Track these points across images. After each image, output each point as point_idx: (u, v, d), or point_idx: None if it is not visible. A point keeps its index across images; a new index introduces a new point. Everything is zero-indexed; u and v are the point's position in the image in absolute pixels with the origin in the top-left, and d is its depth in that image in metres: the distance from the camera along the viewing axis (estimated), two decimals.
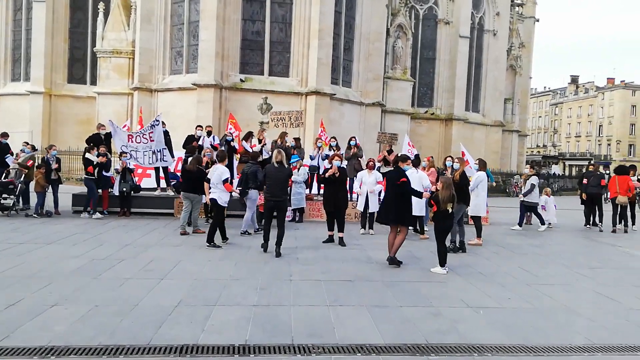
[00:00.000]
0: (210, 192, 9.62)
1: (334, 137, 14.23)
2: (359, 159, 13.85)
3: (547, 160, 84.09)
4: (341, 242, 9.90)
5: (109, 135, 13.56)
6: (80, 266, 7.41)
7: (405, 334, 5.13)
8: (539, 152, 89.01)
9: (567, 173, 62.77)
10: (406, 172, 8.44)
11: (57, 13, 28.88)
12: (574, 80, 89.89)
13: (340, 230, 10.02)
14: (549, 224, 14.04)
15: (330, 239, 10.12)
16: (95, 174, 12.47)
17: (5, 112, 29.52)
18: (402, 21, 29.23)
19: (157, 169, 14.11)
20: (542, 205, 14.20)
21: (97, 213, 12.48)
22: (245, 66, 24.17)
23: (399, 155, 9.63)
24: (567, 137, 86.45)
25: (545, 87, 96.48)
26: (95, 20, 28.22)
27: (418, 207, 10.65)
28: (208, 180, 9.71)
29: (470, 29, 32.60)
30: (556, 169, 63.91)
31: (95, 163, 12.42)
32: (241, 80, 23.66)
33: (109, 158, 13.09)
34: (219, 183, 9.55)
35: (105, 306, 5.63)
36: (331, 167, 10.05)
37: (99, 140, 13.14)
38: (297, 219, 13.19)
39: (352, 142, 13.96)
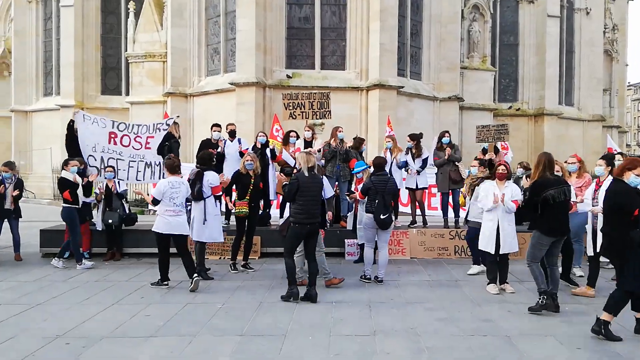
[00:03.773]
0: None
1: (415, 136, 9.52)
2: (457, 164, 9.23)
3: None
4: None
5: None
6: None
7: None
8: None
9: None
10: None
11: (87, 18, 25.89)
12: None
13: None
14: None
15: None
16: (79, 201, 8.50)
17: (38, 129, 27.01)
18: (479, 0, 24.37)
19: None
20: None
21: (84, 261, 8.47)
22: (292, 59, 20.04)
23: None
24: None
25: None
26: None
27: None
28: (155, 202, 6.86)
29: (559, 8, 27.20)
30: None
31: (81, 184, 8.47)
32: (288, 77, 19.50)
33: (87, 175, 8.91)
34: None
35: None
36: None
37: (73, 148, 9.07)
38: None
39: (445, 140, 9.33)
